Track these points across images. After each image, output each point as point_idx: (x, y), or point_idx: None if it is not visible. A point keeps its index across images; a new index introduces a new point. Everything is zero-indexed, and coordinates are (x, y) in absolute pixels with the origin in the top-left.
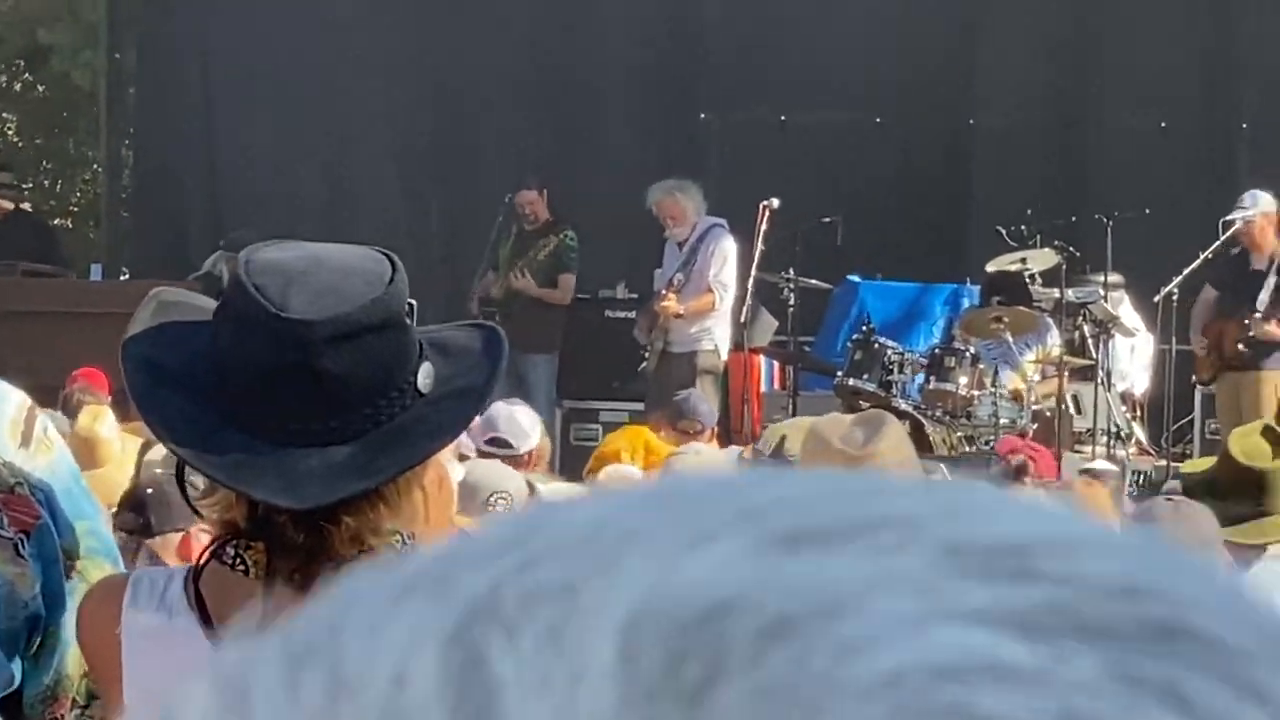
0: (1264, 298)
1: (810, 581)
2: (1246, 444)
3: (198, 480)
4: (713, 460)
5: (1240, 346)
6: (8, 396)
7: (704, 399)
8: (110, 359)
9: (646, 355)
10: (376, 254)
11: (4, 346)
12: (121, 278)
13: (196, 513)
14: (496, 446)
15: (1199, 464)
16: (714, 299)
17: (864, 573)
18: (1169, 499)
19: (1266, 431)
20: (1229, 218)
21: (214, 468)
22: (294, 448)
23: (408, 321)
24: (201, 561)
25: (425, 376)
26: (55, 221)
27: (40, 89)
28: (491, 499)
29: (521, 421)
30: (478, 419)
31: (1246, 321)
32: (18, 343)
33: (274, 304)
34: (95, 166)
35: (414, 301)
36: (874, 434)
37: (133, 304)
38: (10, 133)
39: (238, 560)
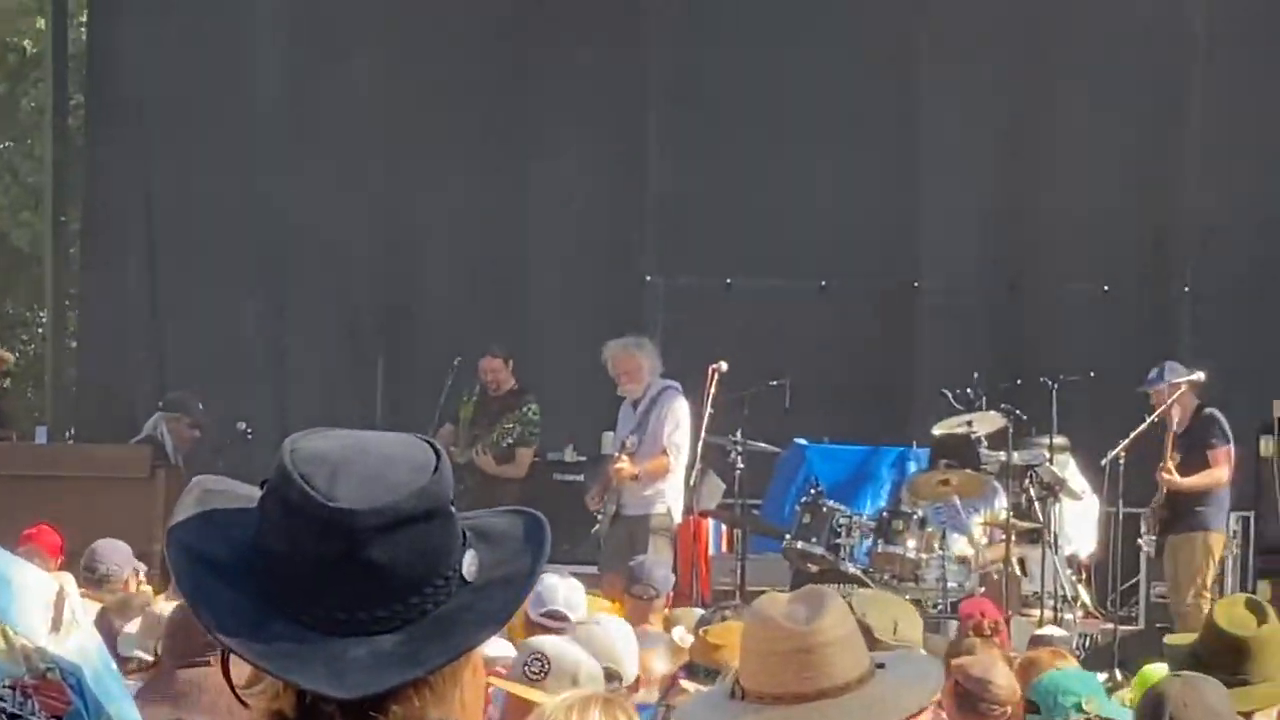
0: (1168, 459)
1: None
2: (1232, 613)
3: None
4: (613, 631)
5: (1157, 508)
6: (40, 581)
7: (660, 564)
8: (61, 521)
9: (599, 518)
10: (420, 441)
11: None
12: (67, 439)
13: (243, 703)
14: (553, 619)
15: (1182, 637)
16: (668, 461)
17: None
18: (1176, 675)
19: (1249, 602)
20: (1139, 389)
21: (261, 657)
22: (341, 637)
23: (453, 509)
24: None
25: (470, 564)
26: None
27: None
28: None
29: (574, 595)
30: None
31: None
32: None
33: (321, 493)
34: (37, 328)
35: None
36: (816, 611)
37: (81, 467)
38: None
39: None
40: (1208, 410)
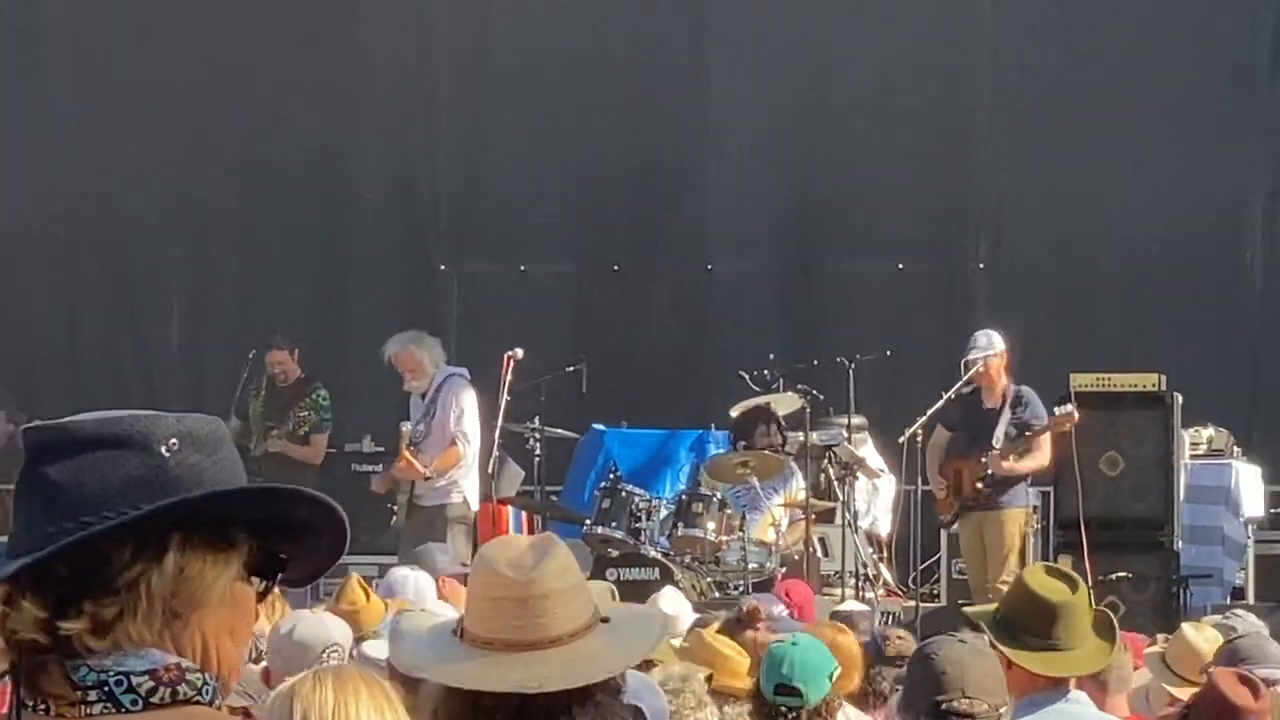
0: (999, 434)
1: None
2: (1043, 579)
3: None
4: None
5: (979, 485)
6: None
7: (443, 550)
8: None
9: (395, 509)
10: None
11: None
12: None
13: None
14: None
15: (981, 607)
16: (459, 450)
17: None
18: (960, 639)
19: (1054, 570)
20: (968, 358)
21: None
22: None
23: (161, 451)
24: None
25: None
26: None
27: None
28: (324, 654)
29: (424, 585)
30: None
31: (984, 460)
32: None
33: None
34: None
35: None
36: (539, 561)
37: None
38: None
39: None
40: (1024, 388)
